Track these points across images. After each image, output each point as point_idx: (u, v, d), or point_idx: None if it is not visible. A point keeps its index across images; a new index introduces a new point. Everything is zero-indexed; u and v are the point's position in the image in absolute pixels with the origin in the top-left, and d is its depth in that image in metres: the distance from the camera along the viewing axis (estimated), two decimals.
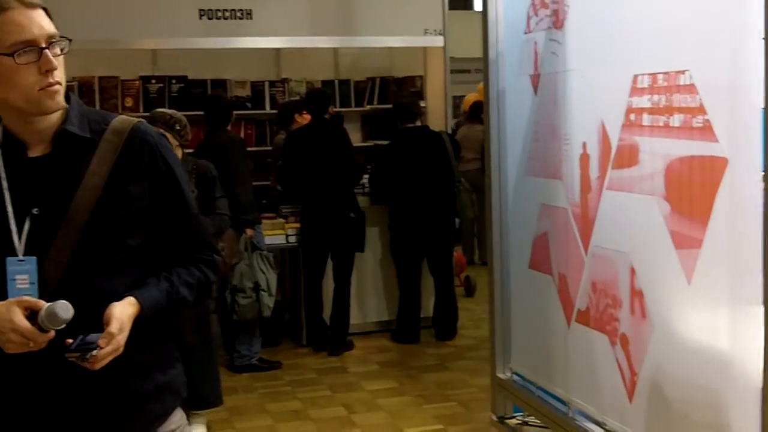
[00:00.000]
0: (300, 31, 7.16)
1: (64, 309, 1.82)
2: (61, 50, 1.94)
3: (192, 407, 4.71)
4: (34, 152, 1.99)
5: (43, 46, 1.90)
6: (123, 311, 1.93)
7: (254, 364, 6.23)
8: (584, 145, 3.04)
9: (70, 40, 1.94)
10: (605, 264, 2.94)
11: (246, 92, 7.97)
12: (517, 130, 3.61)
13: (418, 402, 5.55)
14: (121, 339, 1.89)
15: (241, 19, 6.76)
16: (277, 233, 6.71)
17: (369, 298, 7.14)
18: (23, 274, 1.92)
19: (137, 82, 7.60)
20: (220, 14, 6.73)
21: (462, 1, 14.00)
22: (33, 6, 1.91)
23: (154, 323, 2.03)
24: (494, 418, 3.83)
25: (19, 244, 1.93)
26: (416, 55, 8.05)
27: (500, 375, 3.78)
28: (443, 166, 6.78)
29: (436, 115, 7.82)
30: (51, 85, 1.92)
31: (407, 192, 6.71)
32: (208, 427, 5.06)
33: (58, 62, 1.93)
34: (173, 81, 7.67)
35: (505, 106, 3.70)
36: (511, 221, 3.71)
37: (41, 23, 1.91)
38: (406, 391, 5.76)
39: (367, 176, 7.08)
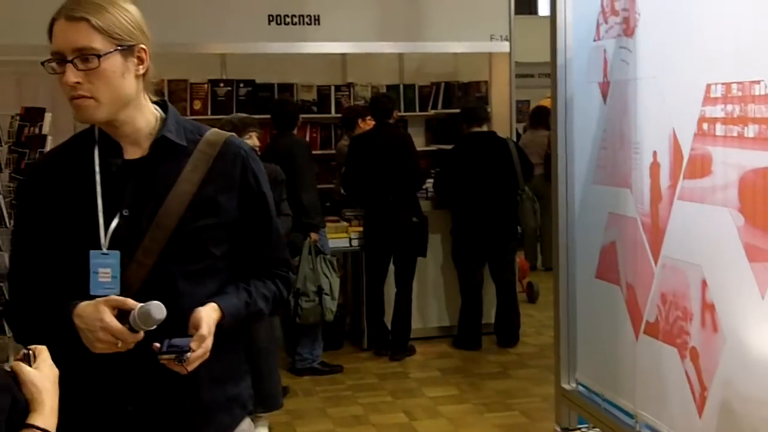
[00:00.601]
0: (366, 36, 7.19)
1: (158, 310, 1.84)
2: (84, 62, 1.92)
3: (255, 409, 4.76)
4: (129, 154, 2.04)
5: (69, 58, 1.92)
6: (209, 316, 1.96)
7: (316, 368, 6.26)
8: (655, 154, 2.99)
9: (99, 56, 1.92)
10: (676, 275, 2.89)
11: (312, 96, 8.03)
12: (584, 137, 3.57)
13: (479, 410, 5.52)
14: (209, 343, 1.92)
15: (309, 24, 6.82)
16: (340, 237, 6.75)
17: (430, 303, 7.13)
18: (106, 268, 1.96)
19: (206, 85, 7.71)
20: (288, 20, 6.79)
21: (527, 5, 13.89)
22: (74, 18, 1.93)
23: (229, 333, 2.05)
24: (558, 429, 3.78)
25: (104, 240, 1.98)
26: (481, 61, 8.03)
27: (565, 385, 3.73)
28: (507, 173, 6.74)
29: (501, 120, 7.79)
30: (75, 98, 1.95)
31: (470, 197, 6.68)
32: (270, 429, 5.10)
33: (91, 75, 1.92)
34: (241, 85, 7.77)
35: (573, 114, 3.66)
36: (577, 230, 3.66)
37: (72, 36, 1.93)
38: (467, 399, 5.74)
39: (430, 181, 7.08)
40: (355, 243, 6.80)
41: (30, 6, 6.23)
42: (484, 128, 6.86)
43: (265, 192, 2.15)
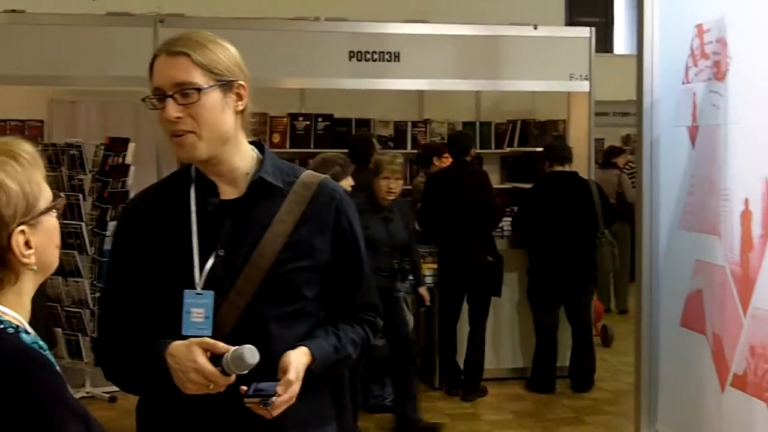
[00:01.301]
0: (444, 73, 7.20)
1: (251, 354, 1.82)
2: (184, 97, 1.92)
3: None
4: (226, 194, 2.04)
5: (169, 93, 1.92)
6: (299, 360, 1.94)
7: (387, 405, 6.21)
8: (746, 201, 2.91)
9: (200, 90, 1.92)
10: (766, 327, 2.79)
11: (389, 132, 8.07)
12: (670, 181, 3.49)
13: None
14: (296, 388, 1.90)
15: (389, 61, 6.86)
16: None
17: (504, 343, 7.05)
18: (199, 308, 1.96)
19: (285, 119, 7.80)
20: (369, 56, 6.84)
21: (602, 43, 13.80)
22: (175, 53, 1.94)
23: (317, 378, 2.02)
24: None
25: (199, 280, 1.98)
26: (559, 99, 7.97)
27: None
28: (588, 215, 6.64)
29: (579, 159, 7.69)
30: (175, 134, 1.94)
31: (549, 237, 6.60)
32: None
33: (191, 110, 1.92)
34: (319, 119, 7.85)
35: (659, 157, 3.59)
36: (662, 276, 3.58)
37: (172, 71, 1.93)
38: None
39: (506, 219, 7.02)
40: (428, 280, 6.75)
41: (114, 39, 6.43)
42: (567, 168, 6.79)
43: (358, 236, 2.14)
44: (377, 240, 5.33)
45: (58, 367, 1.49)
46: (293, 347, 1.97)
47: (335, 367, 2.10)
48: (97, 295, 6.12)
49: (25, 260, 1.47)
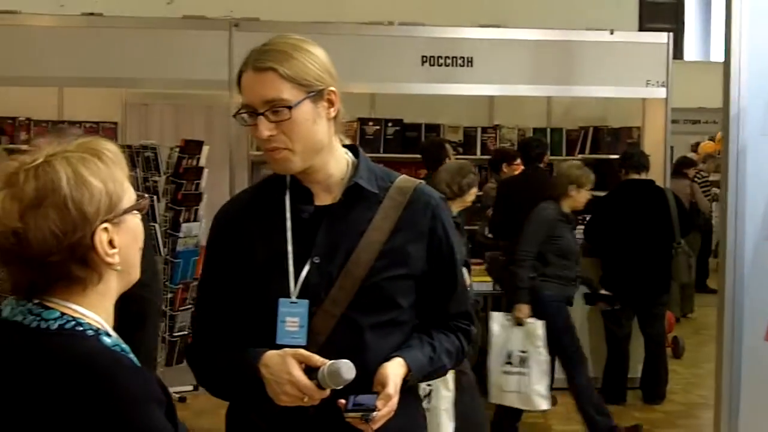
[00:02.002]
0: (517, 79, 7.13)
1: (348, 370, 1.79)
2: (275, 114, 1.90)
3: None
4: (321, 200, 2.01)
5: (260, 111, 1.90)
6: (396, 373, 1.90)
7: None
8: None
9: (291, 107, 1.89)
10: None
11: (458, 137, 8.03)
12: (757, 191, 3.40)
13: None
14: (395, 402, 1.86)
15: (462, 66, 6.81)
16: (482, 280, 6.66)
17: None
18: (294, 317, 1.93)
19: (355, 123, 7.81)
20: (442, 61, 6.80)
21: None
22: (262, 69, 1.90)
23: (411, 388, 1.99)
24: None
25: (294, 288, 1.95)
26: (633, 106, 7.83)
27: None
28: (663, 224, 6.51)
29: (654, 168, 7.56)
30: (269, 150, 1.93)
31: (623, 246, 6.48)
32: None
33: (283, 127, 1.90)
34: (389, 124, 7.84)
35: (746, 166, 3.49)
36: (746, 288, 3.48)
37: (260, 88, 1.90)
38: None
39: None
40: (498, 287, 6.69)
41: (189, 42, 6.50)
42: (643, 176, 6.67)
43: (453, 243, 2.09)
44: (571, 250, 5.55)
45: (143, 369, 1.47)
46: (388, 358, 1.93)
47: (429, 378, 2.07)
48: (170, 296, 6.19)
49: (109, 259, 1.44)
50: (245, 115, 1.93)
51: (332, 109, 1.97)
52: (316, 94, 1.92)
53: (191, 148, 6.35)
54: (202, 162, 6.42)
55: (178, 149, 6.34)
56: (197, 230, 6.29)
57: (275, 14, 7.01)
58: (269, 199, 2.04)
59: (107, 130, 7.87)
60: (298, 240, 1.97)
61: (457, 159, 6.61)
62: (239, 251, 2.01)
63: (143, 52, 6.51)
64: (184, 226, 6.18)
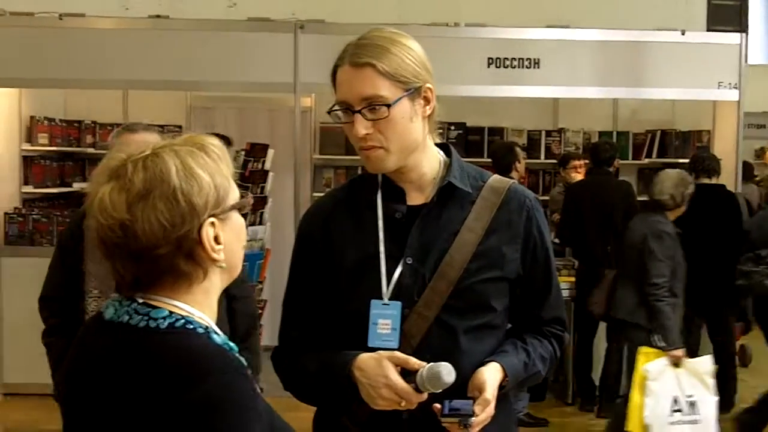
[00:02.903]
0: (583, 80, 7.00)
1: (448, 373, 1.73)
2: (372, 112, 1.85)
3: None
4: (413, 200, 1.96)
5: (356, 108, 1.85)
6: (493, 378, 1.85)
7: (521, 419, 6.06)
8: None
9: (389, 106, 1.84)
10: None
11: (522, 140, 7.92)
12: None
13: None
14: (492, 407, 1.81)
15: (528, 68, 6.71)
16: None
17: None
18: (386, 319, 1.89)
19: None
20: (508, 63, 6.71)
21: None
22: (359, 65, 1.85)
23: (505, 394, 1.93)
24: None
25: (386, 290, 1.90)
26: (702, 109, 7.66)
27: None
28: (734, 229, 6.33)
29: (725, 173, 7.38)
30: (364, 148, 1.88)
31: (692, 252, 6.31)
32: None
33: (380, 125, 1.85)
34: (452, 127, 7.76)
35: None
36: None
37: (358, 84, 1.85)
38: None
39: None
40: (564, 294, 6.54)
41: (254, 44, 6.49)
42: (714, 180, 6.51)
43: (548, 246, 2.03)
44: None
45: (249, 371, 1.43)
46: (483, 363, 1.88)
47: (524, 384, 2.01)
48: None
49: (214, 255, 1.42)
50: (340, 113, 1.88)
51: (428, 107, 1.92)
52: (414, 92, 1.87)
53: (257, 151, 6.36)
54: (268, 165, 6.42)
55: (244, 152, 6.34)
56: (262, 233, 6.28)
57: (340, 16, 6.96)
58: (360, 199, 1.99)
59: (172, 133, 7.91)
60: (391, 240, 1.93)
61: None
62: (329, 252, 1.97)
63: (208, 54, 6.51)
64: (250, 229, 6.17)
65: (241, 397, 1.34)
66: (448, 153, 2.01)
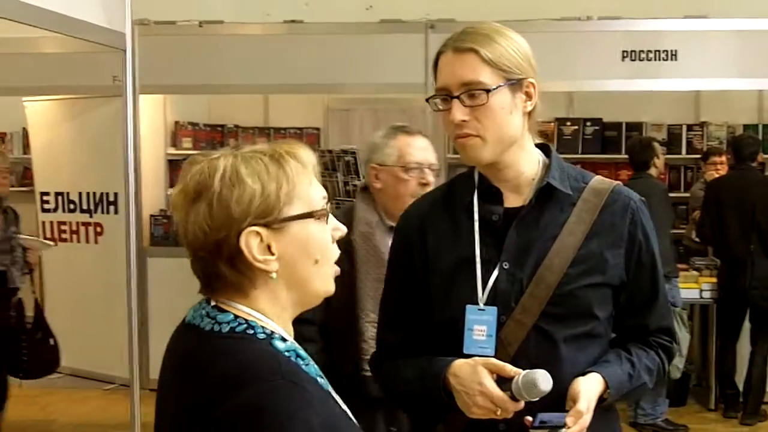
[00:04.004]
0: (725, 72, 6.70)
1: (545, 380, 1.67)
2: (471, 98, 1.81)
3: None
4: (510, 202, 1.91)
5: (455, 94, 1.81)
6: (591, 389, 1.77)
7: (659, 425, 5.90)
8: None
9: (488, 91, 1.80)
10: None
11: (662, 135, 7.65)
12: None
13: None
14: (587, 420, 1.73)
15: (665, 60, 6.49)
16: (689, 287, 6.31)
17: None
18: (482, 325, 1.84)
19: (552, 124, 7.61)
20: (644, 56, 6.51)
21: None
22: (462, 50, 1.82)
23: (609, 407, 1.87)
24: None
25: (482, 295, 1.86)
26: None
27: None
28: None
29: None
30: (459, 136, 1.83)
31: None
32: None
33: (478, 112, 1.80)
34: (588, 123, 7.60)
35: None
36: None
37: (459, 69, 1.81)
38: None
39: None
40: (706, 295, 6.32)
41: (386, 46, 6.55)
42: None
43: (655, 250, 1.93)
44: None
45: (321, 380, 1.41)
46: (584, 373, 1.81)
47: (628, 397, 1.92)
48: None
49: (260, 265, 1.37)
50: (438, 100, 1.85)
51: (529, 103, 1.88)
52: (516, 83, 1.84)
53: None
54: None
55: None
56: None
57: (471, 14, 6.90)
58: (457, 201, 1.95)
59: (310, 135, 8.08)
60: (487, 244, 1.88)
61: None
62: (424, 254, 1.94)
63: (343, 57, 6.61)
64: None
65: (285, 406, 1.29)
66: (548, 154, 1.96)
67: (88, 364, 6.90)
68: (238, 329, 1.38)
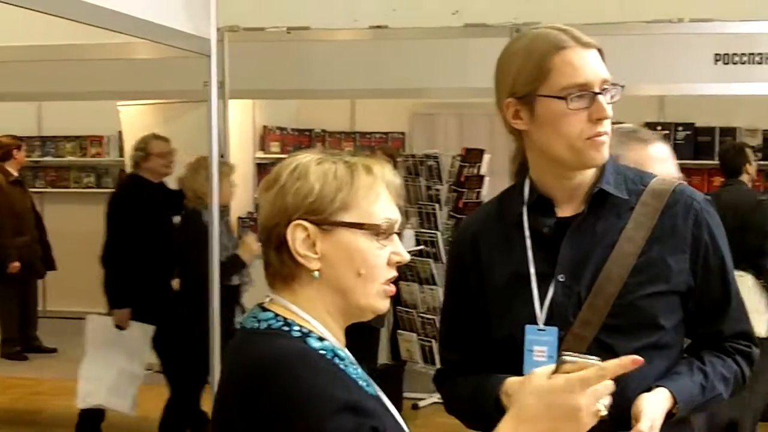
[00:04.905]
0: None
1: None
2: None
3: None
4: (563, 211, 1.85)
5: (596, 91, 1.75)
6: (655, 407, 1.70)
7: None
8: None
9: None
10: None
11: (756, 141, 7.46)
12: None
13: None
14: None
15: (759, 63, 6.30)
16: None
17: None
18: (542, 346, 1.78)
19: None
20: (737, 59, 6.33)
21: None
22: (589, 46, 1.78)
23: (683, 421, 1.80)
24: None
25: (540, 313, 1.80)
26: None
27: None
28: None
29: None
30: (599, 134, 1.76)
31: None
32: None
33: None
34: (679, 128, 7.44)
35: None
36: None
37: (596, 66, 1.77)
38: None
39: None
40: None
41: (470, 50, 6.52)
42: None
43: (724, 252, 1.85)
44: None
45: (362, 382, 1.42)
46: (650, 388, 1.74)
47: (702, 409, 1.85)
48: None
49: (300, 259, 1.41)
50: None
51: None
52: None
53: (472, 156, 6.39)
54: (483, 170, 6.43)
55: (459, 158, 6.40)
56: None
57: (558, 18, 6.83)
58: (507, 214, 1.90)
59: (395, 140, 8.13)
60: (540, 258, 1.82)
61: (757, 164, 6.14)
62: (478, 271, 1.89)
63: (428, 61, 6.61)
64: None
65: (306, 393, 1.31)
66: None
67: None
68: (274, 326, 1.42)
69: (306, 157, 1.46)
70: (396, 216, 1.46)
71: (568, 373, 1.36)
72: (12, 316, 7.95)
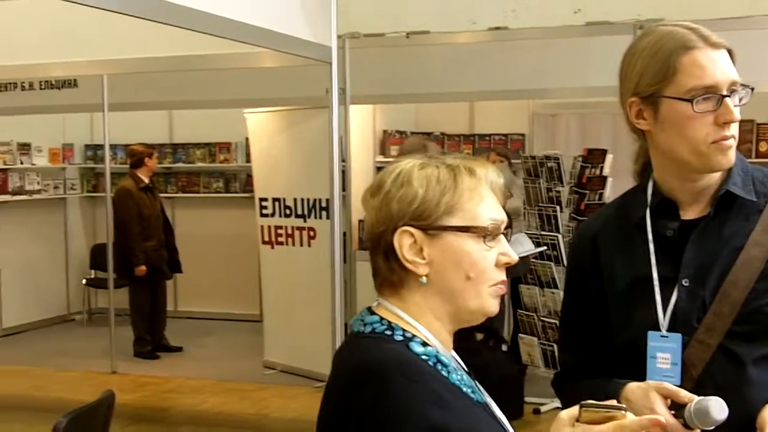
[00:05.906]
0: None
1: (718, 408, 1.54)
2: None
3: None
4: (687, 214, 1.79)
5: (724, 93, 1.68)
6: None
7: None
8: None
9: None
10: None
11: None
12: None
13: None
14: None
15: None
16: None
17: None
18: (665, 353, 1.74)
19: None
20: None
21: None
22: (719, 46, 1.70)
23: None
24: None
25: (663, 319, 1.75)
26: None
27: None
28: None
29: None
30: (726, 138, 1.69)
31: None
32: None
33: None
34: None
35: None
36: None
37: (725, 67, 1.69)
38: None
39: None
40: None
41: (592, 49, 6.42)
42: None
43: None
44: None
45: (467, 389, 1.42)
46: None
47: None
48: None
49: (408, 265, 1.41)
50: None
51: None
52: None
53: (594, 157, 6.29)
54: (606, 171, 6.32)
55: (581, 159, 6.31)
56: None
57: (684, 13, 6.67)
58: (629, 216, 1.85)
59: (515, 142, 8.09)
60: (663, 262, 1.77)
61: None
62: (598, 274, 1.86)
63: (549, 62, 6.54)
64: None
65: (400, 404, 1.30)
66: None
67: (299, 361, 7.23)
68: (378, 330, 1.43)
69: (409, 163, 1.45)
70: (501, 216, 1.45)
71: (589, 421, 1.35)
72: (144, 316, 8.27)
